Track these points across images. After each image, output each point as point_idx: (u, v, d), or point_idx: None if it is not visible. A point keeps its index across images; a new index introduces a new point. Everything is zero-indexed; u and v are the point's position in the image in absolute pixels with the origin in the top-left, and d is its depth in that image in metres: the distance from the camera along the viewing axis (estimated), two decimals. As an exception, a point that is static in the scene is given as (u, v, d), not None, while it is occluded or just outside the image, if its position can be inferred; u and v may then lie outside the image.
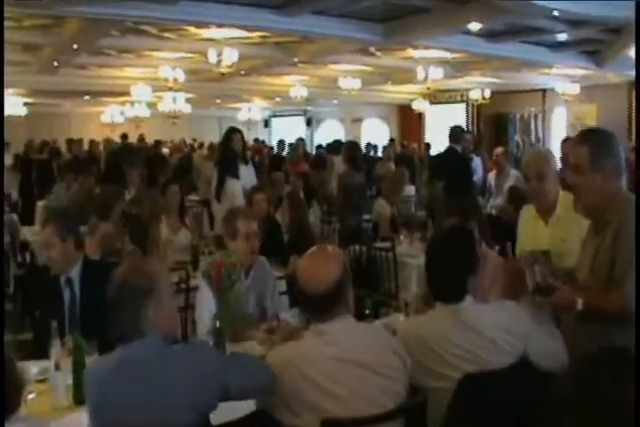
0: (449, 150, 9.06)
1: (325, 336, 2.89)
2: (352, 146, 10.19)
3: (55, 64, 14.98)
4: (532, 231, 4.30)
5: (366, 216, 9.36)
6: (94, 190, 9.04)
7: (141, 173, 9.61)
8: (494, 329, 3.13)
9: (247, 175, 8.65)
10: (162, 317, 2.66)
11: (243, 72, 16.39)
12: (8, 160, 15.61)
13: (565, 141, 8.57)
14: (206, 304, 4.19)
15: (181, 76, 15.18)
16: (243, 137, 8.70)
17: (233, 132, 8.58)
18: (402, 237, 7.94)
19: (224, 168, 8.34)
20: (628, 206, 3.20)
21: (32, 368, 3.65)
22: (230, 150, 8.41)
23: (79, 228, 4.75)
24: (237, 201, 7.99)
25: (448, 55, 14.89)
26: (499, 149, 10.29)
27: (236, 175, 8.27)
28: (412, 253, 7.38)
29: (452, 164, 8.80)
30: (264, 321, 4.32)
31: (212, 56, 12.73)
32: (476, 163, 11.21)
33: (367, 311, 4.12)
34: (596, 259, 3.28)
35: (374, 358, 2.89)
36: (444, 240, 3.40)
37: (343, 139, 23.74)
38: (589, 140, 3.30)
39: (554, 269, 3.57)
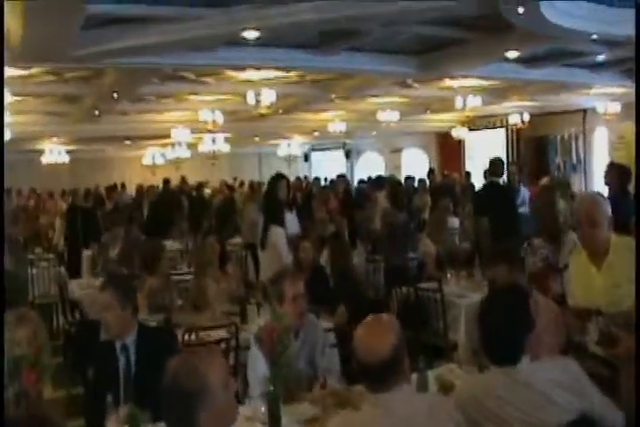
0: (491, 184, 8.90)
1: (383, 408, 2.86)
2: (394, 184, 10.13)
3: (96, 113, 15.23)
4: (584, 278, 4.17)
5: (412, 254, 9.18)
6: (141, 242, 9.12)
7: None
8: (550, 387, 3.08)
9: (291, 222, 8.64)
10: (216, 414, 2.53)
11: (281, 111, 16.47)
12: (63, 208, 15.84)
13: (610, 166, 8.42)
14: (258, 367, 4.15)
15: (221, 119, 15.30)
16: (288, 183, 8.68)
17: (278, 179, 8.56)
18: (449, 276, 7.82)
19: (269, 216, 8.33)
20: None
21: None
22: (276, 198, 8.40)
23: (137, 295, 4.71)
24: (281, 249, 7.98)
25: (486, 82, 14.82)
26: (544, 180, 10.12)
27: (281, 223, 8.26)
28: (459, 292, 7.27)
29: (496, 198, 8.63)
30: (316, 379, 4.27)
31: (251, 98, 12.82)
32: (524, 194, 10.99)
33: (420, 365, 3.98)
34: None
35: (431, 427, 2.84)
36: (498, 304, 3.29)
37: (383, 170, 23.85)
38: None
39: (613, 316, 3.49)
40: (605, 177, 8.09)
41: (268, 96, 12.81)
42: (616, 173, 7.91)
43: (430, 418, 2.88)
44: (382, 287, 8.49)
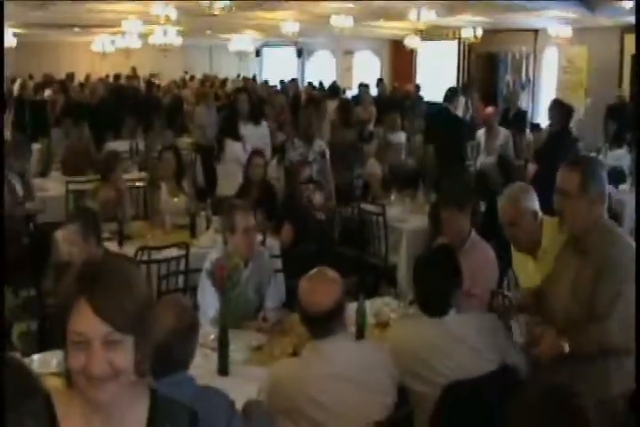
0: (442, 111, 8.89)
1: (322, 355, 3.15)
2: (345, 104, 10.18)
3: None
4: (523, 269, 4.25)
5: (358, 170, 9.24)
6: (91, 144, 9.18)
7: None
8: (477, 339, 3.44)
9: (256, 135, 8.69)
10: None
11: (234, 9, 16.19)
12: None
13: (554, 103, 8.54)
14: (208, 297, 4.41)
15: (173, 13, 15.03)
16: (249, 97, 8.65)
17: (238, 91, 8.58)
18: (392, 198, 8.00)
19: (224, 130, 8.35)
20: (612, 240, 3.28)
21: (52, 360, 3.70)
22: (233, 111, 8.42)
23: (101, 228, 4.83)
24: (239, 163, 7.94)
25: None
26: (489, 109, 10.25)
27: (235, 137, 8.28)
28: (402, 217, 7.44)
29: (446, 127, 8.64)
30: (262, 306, 4.58)
31: (205, -2, 12.64)
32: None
33: (360, 298, 4.19)
34: (576, 290, 3.31)
35: (365, 375, 3.16)
36: (429, 262, 3.70)
37: (334, 72, 23.68)
38: (580, 167, 3.34)
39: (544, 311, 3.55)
40: (549, 113, 8.31)
41: (223, -3, 12.63)
42: (559, 110, 8.13)
43: (365, 367, 3.18)
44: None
